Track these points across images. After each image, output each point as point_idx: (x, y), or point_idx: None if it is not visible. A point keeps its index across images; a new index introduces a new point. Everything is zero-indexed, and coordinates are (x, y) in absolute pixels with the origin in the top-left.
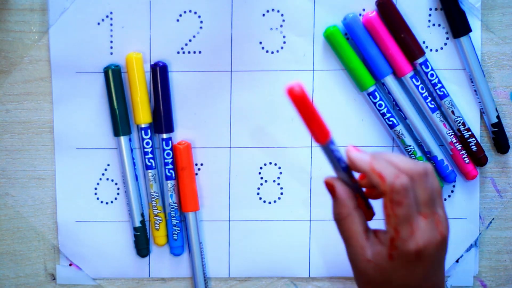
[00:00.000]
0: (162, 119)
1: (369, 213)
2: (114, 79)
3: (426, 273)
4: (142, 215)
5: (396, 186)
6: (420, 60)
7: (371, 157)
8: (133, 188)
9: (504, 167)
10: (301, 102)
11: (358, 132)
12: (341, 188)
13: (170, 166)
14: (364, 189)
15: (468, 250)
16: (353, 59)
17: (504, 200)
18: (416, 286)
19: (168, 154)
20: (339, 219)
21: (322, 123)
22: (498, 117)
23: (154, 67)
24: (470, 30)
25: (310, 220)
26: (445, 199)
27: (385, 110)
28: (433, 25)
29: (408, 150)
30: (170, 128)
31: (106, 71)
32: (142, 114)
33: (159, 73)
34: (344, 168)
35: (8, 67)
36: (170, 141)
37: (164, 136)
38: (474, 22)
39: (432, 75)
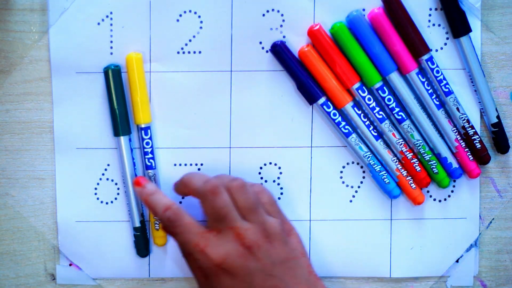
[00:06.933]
0: None
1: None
2: (114, 79)
3: (249, 284)
4: (142, 215)
5: (164, 220)
6: (426, 56)
7: (149, 191)
8: (133, 188)
9: (504, 167)
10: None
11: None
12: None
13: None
14: None
15: (468, 250)
16: (360, 56)
17: (504, 200)
18: None
19: (147, 144)
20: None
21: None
22: (498, 117)
23: None
24: (470, 30)
25: (310, 220)
26: (445, 199)
27: (393, 105)
28: (433, 25)
29: (417, 145)
30: None
31: (106, 71)
32: (142, 114)
33: None
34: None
35: (8, 67)
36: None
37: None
38: (474, 22)
39: (437, 71)
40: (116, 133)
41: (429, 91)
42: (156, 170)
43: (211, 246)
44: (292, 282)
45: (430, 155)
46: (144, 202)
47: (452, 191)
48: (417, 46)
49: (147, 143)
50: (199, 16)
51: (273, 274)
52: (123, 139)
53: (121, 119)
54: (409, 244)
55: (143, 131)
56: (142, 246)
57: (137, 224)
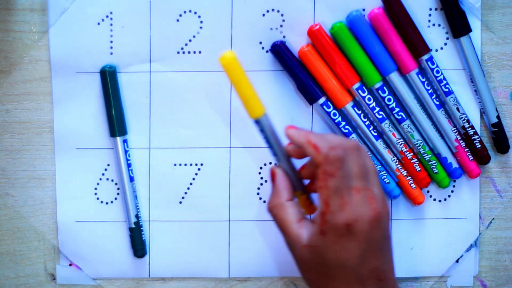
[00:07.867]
0: None
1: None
2: (110, 79)
3: (362, 252)
4: (137, 216)
5: (330, 157)
6: (426, 56)
7: (308, 131)
8: (128, 189)
9: (504, 167)
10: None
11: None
12: (280, 178)
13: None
14: (306, 182)
15: (468, 250)
16: (360, 56)
17: (504, 200)
18: (354, 266)
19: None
20: (272, 209)
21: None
22: (498, 117)
23: None
24: (470, 30)
25: (310, 219)
26: (445, 199)
27: (393, 105)
28: (433, 25)
29: (417, 145)
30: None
31: (101, 71)
32: (254, 108)
33: None
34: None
35: (8, 67)
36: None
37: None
38: (474, 22)
39: (437, 71)
40: (112, 133)
41: (429, 91)
42: (277, 159)
43: (350, 205)
44: (387, 261)
45: (430, 155)
46: (303, 138)
47: (452, 191)
48: (417, 46)
49: (263, 135)
50: (199, 16)
51: (381, 248)
52: (119, 140)
53: (117, 120)
54: (409, 244)
55: (256, 124)
56: (138, 246)
57: (132, 225)
